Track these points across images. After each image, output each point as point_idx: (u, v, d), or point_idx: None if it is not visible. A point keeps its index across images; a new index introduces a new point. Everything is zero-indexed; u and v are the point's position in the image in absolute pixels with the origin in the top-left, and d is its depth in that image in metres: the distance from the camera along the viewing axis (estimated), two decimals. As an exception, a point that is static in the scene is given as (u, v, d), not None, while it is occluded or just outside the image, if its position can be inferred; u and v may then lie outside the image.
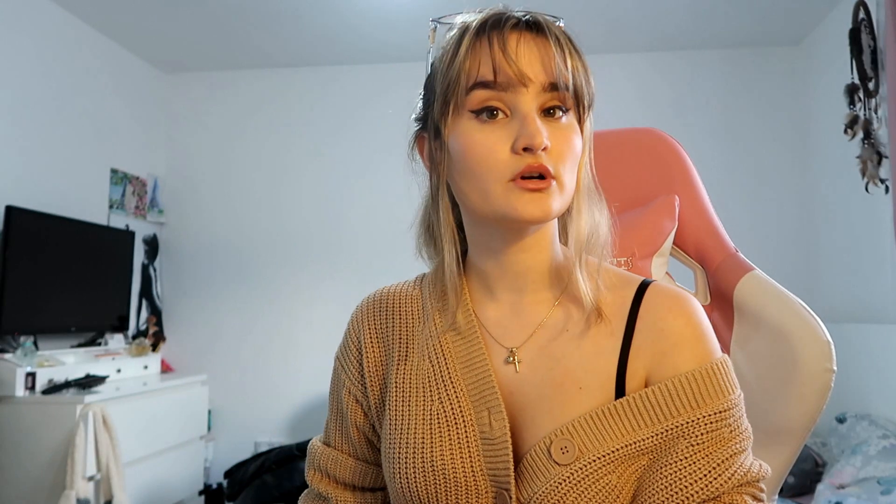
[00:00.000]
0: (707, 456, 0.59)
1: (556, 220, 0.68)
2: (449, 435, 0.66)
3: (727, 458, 0.59)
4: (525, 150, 0.60)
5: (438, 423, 0.66)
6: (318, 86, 3.81)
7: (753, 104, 3.53)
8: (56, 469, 2.40)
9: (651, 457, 0.60)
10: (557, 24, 0.64)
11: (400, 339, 0.74)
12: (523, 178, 0.60)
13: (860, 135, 2.62)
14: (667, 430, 0.60)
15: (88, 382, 2.67)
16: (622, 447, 0.60)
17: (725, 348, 0.98)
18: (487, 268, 0.70)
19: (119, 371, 3.06)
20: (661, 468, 0.59)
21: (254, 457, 3.16)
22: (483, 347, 0.68)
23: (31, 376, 2.55)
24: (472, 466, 0.64)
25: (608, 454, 0.60)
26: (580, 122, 0.65)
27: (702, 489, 0.58)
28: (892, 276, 2.69)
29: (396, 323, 0.75)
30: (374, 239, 3.58)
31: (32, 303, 2.77)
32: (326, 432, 0.82)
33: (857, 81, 2.66)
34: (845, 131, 2.68)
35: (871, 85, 2.60)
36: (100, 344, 3.19)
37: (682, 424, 0.60)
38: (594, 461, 0.60)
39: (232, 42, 3.50)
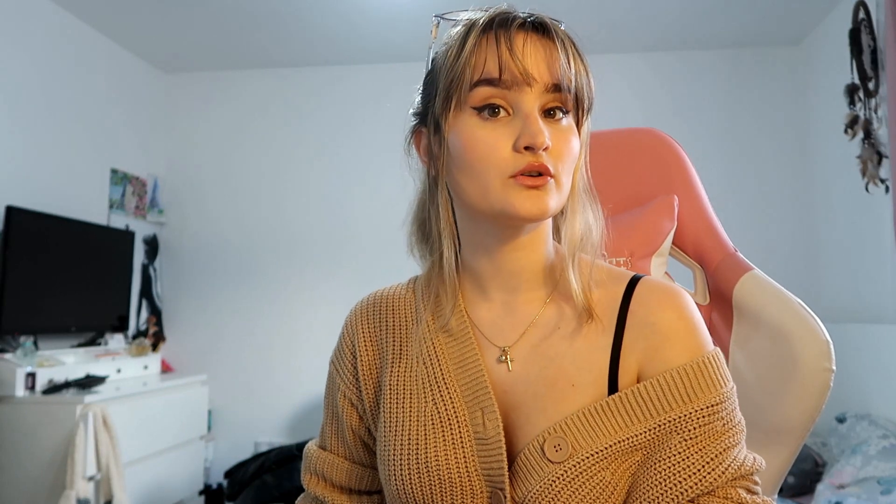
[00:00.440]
0: (701, 450, 0.59)
1: (550, 219, 0.69)
2: (443, 435, 0.66)
3: (721, 452, 0.59)
4: (527, 148, 0.60)
5: (433, 423, 0.67)
6: (319, 86, 3.81)
7: (753, 104, 3.53)
8: (56, 469, 2.40)
9: (645, 452, 0.60)
10: (561, 26, 0.65)
11: (393, 341, 0.74)
12: (522, 174, 0.61)
13: (860, 135, 2.63)
14: (659, 426, 0.60)
15: (88, 382, 2.67)
16: (615, 443, 0.60)
17: (725, 348, 0.98)
18: (481, 267, 0.70)
19: (119, 371, 3.06)
20: (655, 464, 0.59)
21: (254, 457, 3.16)
22: (476, 348, 0.68)
23: (31, 376, 2.55)
24: (466, 467, 0.64)
25: (601, 451, 0.60)
26: (579, 124, 0.66)
27: (696, 484, 0.58)
28: (892, 276, 2.69)
29: (390, 325, 0.75)
30: (374, 239, 3.58)
31: (32, 303, 2.78)
32: (322, 436, 0.82)
33: (857, 81, 2.66)
34: (845, 131, 2.68)
35: (871, 85, 2.60)
36: (100, 344, 3.19)
37: (674, 419, 0.60)
38: (587, 458, 0.60)
39: (232, 42, 3.50)
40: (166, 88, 3.90)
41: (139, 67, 3.69)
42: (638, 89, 3.58)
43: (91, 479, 2.44)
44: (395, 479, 0.66)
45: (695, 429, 0.59)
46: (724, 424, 0.60)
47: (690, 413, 0.60)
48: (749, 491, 0.60)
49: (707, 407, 0.60)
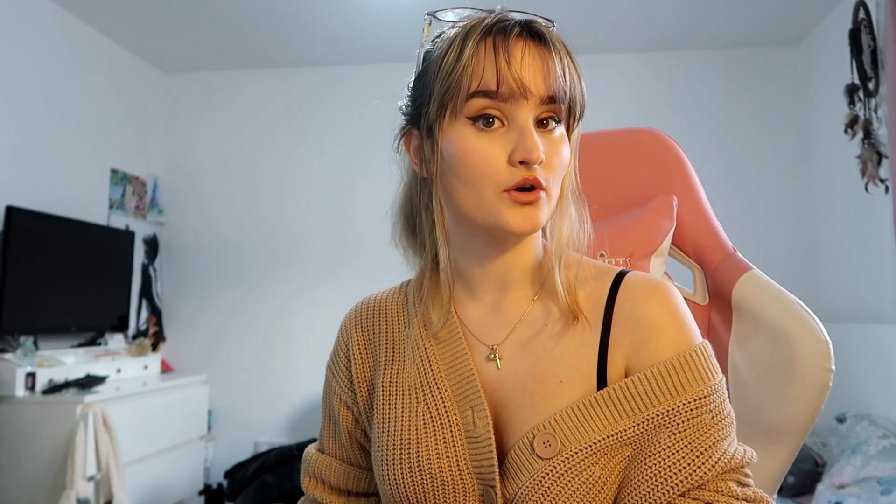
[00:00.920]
0: (690, 444, 0.59)
1: None
2: (435, 435, 0.66)
3: (711, 446, 0.59)
4: (521, 162, 0.61)
5: (424, 423, 0.67)
6: (319, 86, 3.81)
7: (753, 104, 3.53)
8: (56, 469, 2.41)
9: (634, 447, 0.60)
10: (551, 28, 0.65)
11: (386, 344, 0.75)
12: (517, 189, 0.61)
13: (860, 135, 2.63)
14: (648, 419, 0.60)
15: (88, 382, 2.67)
16: (604, 438, 0.60)
17: (724, 348, 0.98)
18: (470, 268, 0.71)
19: (119, 371, 3.06)
20: (646, 458, 0.59)
21: (254, 457, 3.16)
22: (465, 347, 0.69)
23: (31, 376, 2.55)
24: (458, 465, 0.65)
25: (590, 446, 0.60)
26: (570, 129, 0.67)
27: (686, 478, 0.58)
28: (892, 276, 2.69)
29: (382, 329, 0.76)
30: (374, 239, 3.58)
31: (32, 303, 2.78)
32: (320, 440, 0.83)
33: (857, 81, 2.66)
34: (845, 131, 2.68)
35: (871, 85, 2.61)
36: (100, 344, 3.20)
37: (663, 413, 0.60)
38: (576, 453, 0.60)
39: (232, 42, 3.51)
40: (166, 88, 3.90)
41: (139, 67, 3.69)
42: (637, 89, 3.58)
43: (91, 479, 2.44)
44: (389, 479, 0.67)
45: (683, 422, 0.59)
46: (712, 417, 0.60)
47: (679, 406, 0.60)
48: (740, 483, 0.60)
49: (695, 400, 0.60)
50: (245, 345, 3.70)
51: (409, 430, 0.68)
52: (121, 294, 3.34)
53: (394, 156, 0.75)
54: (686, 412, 0.60)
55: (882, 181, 2.60)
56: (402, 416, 0.69)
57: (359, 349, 0.77)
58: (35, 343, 2.77)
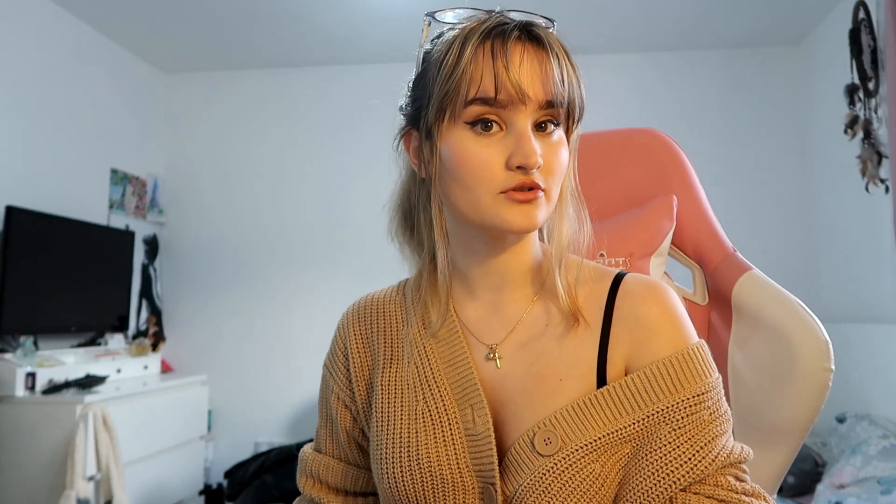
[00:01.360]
0: (690, 440, 0.60)
1: None
2: (434, 433, 0.67)
3: (710, 441, 0.60)
4: (519, 167, 0.61)
5: (424, 422, 0.68)
6: (319, 86, 3.81)
7: (753, 104, 3.53)
8: (56, 469, 2.41)
9: (634, 444, 0.61)
10: (551, 29, 0.65)
11: (385, 343, 0.75)
12: (513, 190, 0.62)
13: (860, 135, 2.63)
14: (648, 416, 0.61)
15: (88, 382, 2.67)
16: (604, 435, 0.61)
17: (724, 348, 0.98)
18: (469, 268, 0.71)
19: (119, 371, 3.06)
20: (646, 455, 0.60)
21: (254, 457, 3.16)
22: (465, 346, 0.69)
23: (31, 376, 2.55)
24: (457, 463, 0.65)
25: (591, 443, 0.61)
26: (568, 131, 0.67)
27: (687, 473, 0.59)
28: (892, 276, 2.69)
29: (381, 328, 0.77)
30: (374, 239, 3.58)
31: (32, 303, 2.78)
32: (317, 440, 0.83)
33: (857, 81, 2.66)
34: (845, 131, 2.68)
35: (871, 85, 2.61)
36: (100, 344, 3.20)
37: (662, 410, 0.61)
38: (577, 450, 0.61)
39: (232, 42, 3.51)
40: (166, 88, 3.90)
41: (139, 67, 3.69)
42: (637, 89, 3.58)
43: (91, 479, 2.44)
44: (388, 478, 0.67)
45: (682, 418, 0.60)
46: (710, 413, 0.61)
47: (677, 403, 0.61)
48: (738, 479, 0.61)
49: (693, 396, 0.61)
50: (245, 345, 3.70)
51: (409, 428, 0.68)
52: (121, 294, 3.34)
53: (393, 154, 0.75)
54: (685, 409, 0.60)
55: (882, 181, 2.60)
56: (402, 415, 0.69)
57: (357, 348, 0.77)
58: (35, 343, 2.77)
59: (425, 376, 0.70)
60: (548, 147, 0.63)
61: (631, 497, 0.59)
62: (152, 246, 3.75)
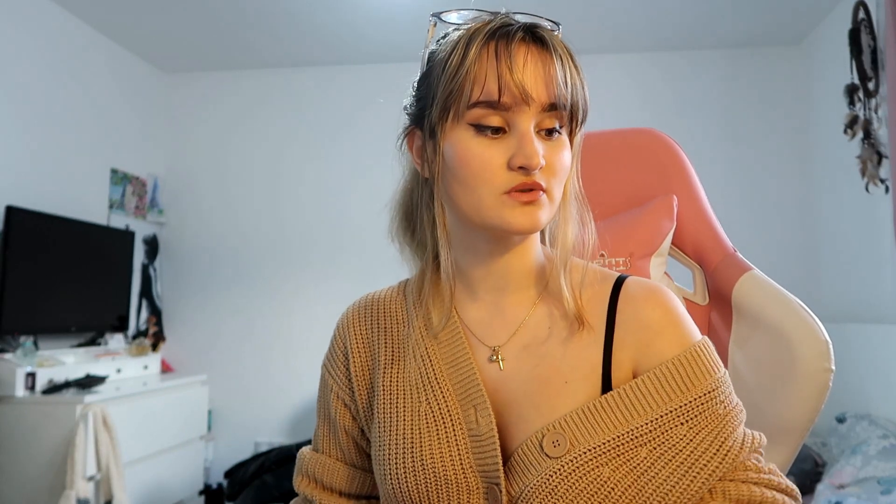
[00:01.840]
0: (711, 433, 0.61)
1: None
2: (437, 434, 0.66)
3: (732, 432, 0.61)
4: (521, 168, 0.61)
5: (427, 422, 0.67)
6: (318, 86, 3.81)
7: (753, 104, 3.53)
8: (56, 469, 2.41)
9: (650, 447, 0.61)
10: (556, 32, 0.65)
11: (386, 343, 0.75)
12: (516, 191, 0.62)
13: (860, 135, 2.63)
14: (661, 416, 0.61)
15: (88, 382, 2.67)
16: (615, 437, 0.61)
17: (724, 348, 0.98)
18: (471, 269, 0.71)
19: (119, 371, 3.06)
20: (672, 455, 0.60)
21: (254, 457, 3.16)
22: (467, 347, 0.69)
23: (31, 376, 2.55)
24: (461, 463, 0.65)
25: (600, 445, 0.61)
26: (571, 133, 0.67)
27: (720, 464, 0.60)
28: (892, 276, 2.69)
29: (381, 328, 0.76)
30: (374, 239, 3.58)
31: (32, 303, 2.78)
32: (315, 440, 0.83)
33: (857, 81, 2.66)
34: (845, 131, 2.68)
35: (870, 85, 2.61)
36: (100, 344, 3.20)
37: (675, 409, 0.61)
38: (585, 453, 0.61)
39: (232, 42, 3.50)
40: (166, 88, 3.90)
41: (139, 67, 3.69)
42: (637, 89, 3.58)
43: (91, 479, 2.44)
44: (391, 479, 0.67)
45: (698, 415, 0.61)
46: (724, 407, 0.62)
47: (691, 401, 0.61)
48: (758, 461, 0.63)
49: (706, 393, 0.62)
50: (245, 344, 3.70)
51: (412, 429, 0.68)
52: (121, 294, 3.34)
53: (396, 153, 0.75)
54: (699, 406, 0.61)
55: (882, 181, 2.60)
56: (404, 416, 0.69)
57: (357, 348, 0.77)
58: (35, 343, 2.77)
59: (427, 377, 0.69)
60: (550, 148, 0.64)
61: (672, 497, 0.59)
62: (152, 246, 3.75)
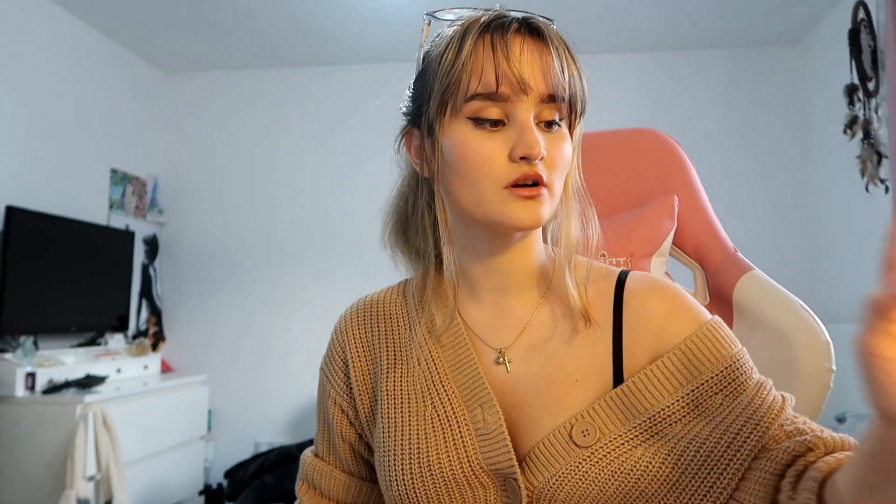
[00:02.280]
0: (750, 394, 0.60)
1: None
2: (444, 436, 0.66)
3: (770, 390, 0.61)
4: (522, 158, 0.61)
5: (433, 425, 0.66)
6: (318, 86, 3.81)
7: (753, 104, 3.53)
8: (56, 469, 2.40)
9: (685, 421, 0.60)
10: (552, 26, 0.65)
11: (387, 347, 0.74)
12: (517, 185, 0.61)
13: (860, 135, 2.63)
14: (695, 390, 0.60)
15: (88, 382, 2.67)
16: (647, 420, 0.61)
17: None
18: (472, 268, 0.70)
19: (119, 371, 3.06)
20: (720, 421, 0.59)
21: (254, 457, 3.16)
22: (471, 349, 0.68)
23: (31, 376, 2.55)
24: (470, 464, 0.64)
25: (632, 429, 0.61)
26: (571, 127, 0.66)
27: (765, 416, 0.58)
28: (892, 276, 2.68)
29: (382, 331, 0.75)
30: (373, 239, 3.57)
31: (32, 303, 2.77)
32: (315, 444, 0.82)
33: (856, 81, 2.66)
34: (845, 131, 2.68)
35: (870, 85, 2.61)
36: (100, 344, 3.19)
37: (707, 380, 0.60)
38: (617, 438, 0.61)
39: (232, 42, 3.50)
40: (166, 88, 3.90)
41: (139, 67, 3.69)
42: (637, 89, 3.58)
43: (91, 479, 2.44)
44: (399, 485, 0.66)
45: (732, 381, 0.60)
46: (752, 369, 0.62)
47: (722, 371, 0.61)
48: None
49: (734, 362, 0.61)
50: (245, 345, 3.70)
51: (418, 433, 0.67)
52: (121, 294, 3.34)
53: (394, 157, 0.74)
54: (731, 373, 0.60)
55: (882, 181, 2.60)
56: (410, 420, 0.68)
57: (357, 352, 0.75)
58: (35, 343, 2.77)
59: (432, 380, 0.69)
60: (550, 140, 0.63)
61: (737, 458, 0.58)
62: (152, 246, 3.75)
